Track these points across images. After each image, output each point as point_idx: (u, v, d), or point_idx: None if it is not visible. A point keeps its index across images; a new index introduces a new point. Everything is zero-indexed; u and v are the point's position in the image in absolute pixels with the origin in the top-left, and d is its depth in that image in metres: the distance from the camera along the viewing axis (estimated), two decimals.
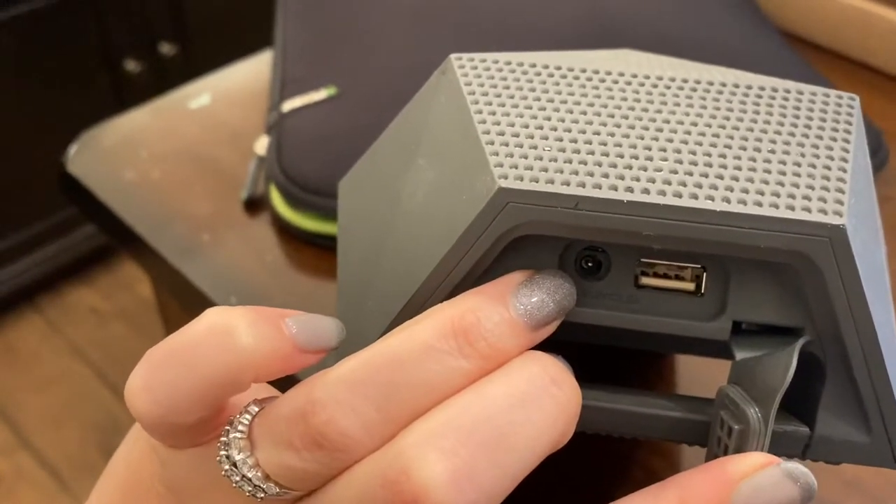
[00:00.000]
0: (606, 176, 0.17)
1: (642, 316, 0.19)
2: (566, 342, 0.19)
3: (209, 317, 0.17)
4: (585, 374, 0.19)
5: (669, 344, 0.25)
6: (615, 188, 0.17)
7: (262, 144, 0.39)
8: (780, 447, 0.19)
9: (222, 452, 0.17)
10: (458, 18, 0.43)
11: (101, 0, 1.16)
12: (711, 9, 0.45)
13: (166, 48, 1.25)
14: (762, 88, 0.20)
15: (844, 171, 0.18)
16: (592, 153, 0.18)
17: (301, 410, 0.16)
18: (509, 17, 0.43)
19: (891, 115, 0.46)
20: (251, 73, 0.48)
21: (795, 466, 0.16)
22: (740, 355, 0.19)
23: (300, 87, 0.40)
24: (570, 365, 0.18)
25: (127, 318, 1.32)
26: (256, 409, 0.18)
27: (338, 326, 0.19)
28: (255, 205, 0.38)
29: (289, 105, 0.39)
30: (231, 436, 0.17)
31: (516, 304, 0.17)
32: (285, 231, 0.37)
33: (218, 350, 0.17)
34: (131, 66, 1.23)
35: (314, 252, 0.36)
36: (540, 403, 0.16)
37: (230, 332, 0.17)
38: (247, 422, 0.17)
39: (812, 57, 0.51)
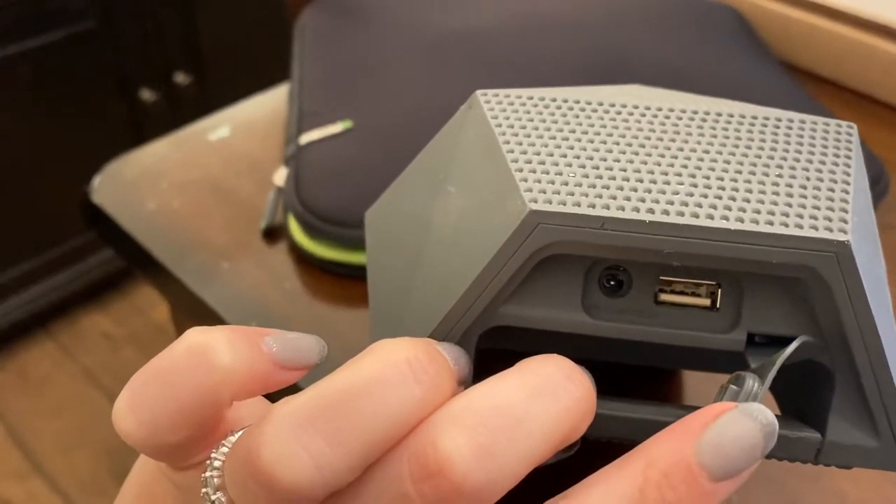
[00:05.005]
0: (629, 199, 0.19)
1: (661, 329, 0.20)
2: (588, 359, 0.20)
3: (189, 337, 0.18)
4: (602, 389, 0.20)
5: (687, 359, 0.26)
6: (637, 209, 0.18)
7: (280, 176, 0.40)
8: (794, 452, 0.20)
9: (203, 489, 0.17)
10: (469, 53, 0.44)
11: (117, 30, 1.18)
12: (714, 41, 0.47)
13: (181, 78, 1.28)
14: (767, 118, 0.22)
15: (847, 192, 0.19)
16: (614, 178, 0.19)
17: (248, 452, 0.16)
18: (519, 50, 0.44)
19: (892, 145, 0.47)
20: (269, 106, 0.49)
21: (751, 405, 0.16)
22: (755, 365, 0.20)
23: (317, 121, 0.41)
24: (592, 375, 0.19)
25: (139, 343, 1.34)
26: (234, 439, 0.18)
27: (318, 344, 0.20)
28: (273, 234, 0.40)
29: (306, 138, 0.40)
30: (207, 474, 0.18)
31: (442, 350, 0.18)
32: (303, 259, 0.38)
33: (195, 370, 0.17)
34: (146, 95, 1.25)
35: (331, 280, 0.37)
36: (555, 396, 0.17)
37: (208, 351, 0.18)
38: (222, 457, 0.18)
39: (814, 88, 0.52)
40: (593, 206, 0.18)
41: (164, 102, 1.27)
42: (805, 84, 0.52)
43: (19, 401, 1.25)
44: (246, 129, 0.47)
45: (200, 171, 0.44)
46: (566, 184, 0.19)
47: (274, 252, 0.39)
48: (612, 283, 0.20)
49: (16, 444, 1.19)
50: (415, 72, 0.43)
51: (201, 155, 0.45)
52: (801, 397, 0.22)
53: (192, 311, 0.38)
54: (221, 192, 0.42)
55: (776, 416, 0.21)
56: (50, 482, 1.15)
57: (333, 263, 0.37)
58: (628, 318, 0.20)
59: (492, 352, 0.21)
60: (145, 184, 0.43)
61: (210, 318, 0.37)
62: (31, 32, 1.10)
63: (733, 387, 0.19)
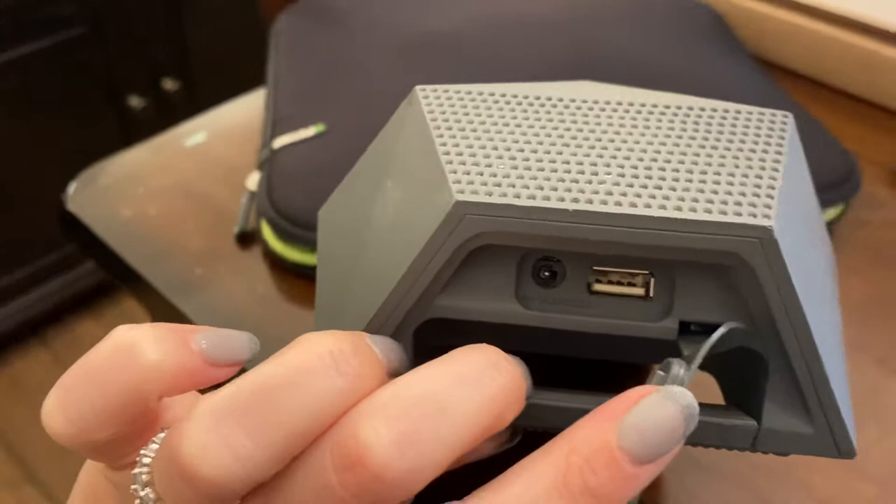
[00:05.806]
0: (555, 189, 0.19)
1: (595, 319, 0.20)
2: (527, 353, 0.20)
3: (115, 335, 0.18)
4: (554, 382, 0.20)
5: (623, 350, 0.26)
6: (562, 199, 0.19)
7: (253, 180, 0.40)
8: (730, 440, 0.20)
9: (132, 486, 0.18)
10: (443, 54, 0.44)
11: (106, 37, 1.18)
12: (689, 40, 0.47)
13: (169, 84, 1.28)
14: (703, 109, 0.22)
15: (775, 179, 0.20)
16: (542, 170, 0.20)
17: (171, 448, 0.16)
18: (494, 50, 0.44)
19: (868, 140, 0.47)
20: (246, 110, 0.49)
21: (671, 388, 0.16)
22: (687, 353, 0.20)
23: (290, 125, 0.41)
24: (528, 368, 0.19)
25: None
26: (164, 436, 0.18)
27: (250, 340, 0.20)
28: (246, 239, 0.40)
29: (279, 142, 0.40)
30: (136, 470, 0.18)
31: (371, 342, 0.18)
32: (276, 264, 0.38)
33: (122, 368, 0.18)
34: (135, 101, 1.25)
35: (304, 283, 0.37)
36: (480, 384, 0.17)
37: (134, 348, 0.18)
38: (152, 454, 0.18)
39: (791, 85, 0.52)
40: (519, 196, 0.19)
41: (152, 109, 1.27)
42: (782, 81, 0.52)
43: (12, 409, 1.25)
44: (222, 134, 0.47)
45: (176, 176, 0.44)
46: (495, 175, 0.19)
47: (247, 257, 0.39)
48: (546, 273, 0.20)
49: (9, 452, 1.19)
50: (388, 74, 0.43)
51: (177, 160, 0.45)
52: (739, 386, 0.22)
53: (169, 319, 0.38)
54: (197, 197, 0.42)
55: (718, 405, 0.21)
56: (43, 490, 1.15)
57: (306, 267, 0.37)
58: (562, 309, 0.20)
59: (437, 348, 0.21)
60: (121, 190, 0.43)
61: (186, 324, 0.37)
62: (20, 40, 1.10)
63: (661, 373, 0.19)
